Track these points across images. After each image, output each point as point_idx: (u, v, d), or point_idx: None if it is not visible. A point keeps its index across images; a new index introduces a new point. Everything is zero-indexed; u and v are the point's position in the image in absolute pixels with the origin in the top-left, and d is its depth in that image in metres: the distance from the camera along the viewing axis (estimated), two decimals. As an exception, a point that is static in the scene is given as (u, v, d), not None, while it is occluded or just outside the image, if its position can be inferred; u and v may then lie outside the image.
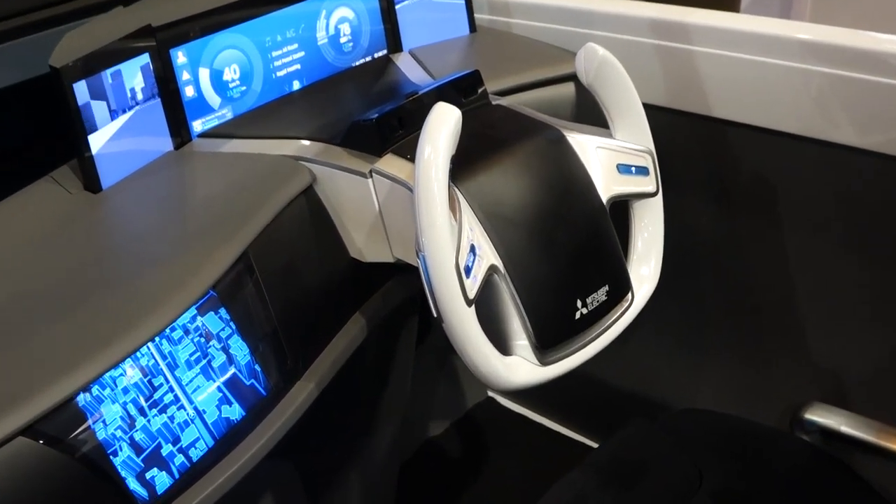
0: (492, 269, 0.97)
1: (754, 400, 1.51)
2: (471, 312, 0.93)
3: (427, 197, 0.90)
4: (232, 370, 0.97)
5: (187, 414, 0.93)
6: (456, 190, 0.98)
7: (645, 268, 1.14)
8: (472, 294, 0.93)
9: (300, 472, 1.53)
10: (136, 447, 0.89)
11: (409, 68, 1.31)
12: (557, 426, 1.85)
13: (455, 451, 1.85)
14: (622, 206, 1.14)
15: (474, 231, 0.97)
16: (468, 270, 0.93)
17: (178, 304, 0.90)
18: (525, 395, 1.89)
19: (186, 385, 0.93)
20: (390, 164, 1.03)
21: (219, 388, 0.96)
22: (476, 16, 1.47)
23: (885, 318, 1.32)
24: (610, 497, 1.17)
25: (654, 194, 1.13)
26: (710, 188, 1.40)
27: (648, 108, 1.34)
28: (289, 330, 1.01)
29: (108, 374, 0.85)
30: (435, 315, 0.93)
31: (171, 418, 0.92)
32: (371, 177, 1.04)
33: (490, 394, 1.93)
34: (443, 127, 0.91)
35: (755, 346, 1.49)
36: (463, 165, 0.99)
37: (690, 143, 1.37)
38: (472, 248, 0.95)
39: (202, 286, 0.92)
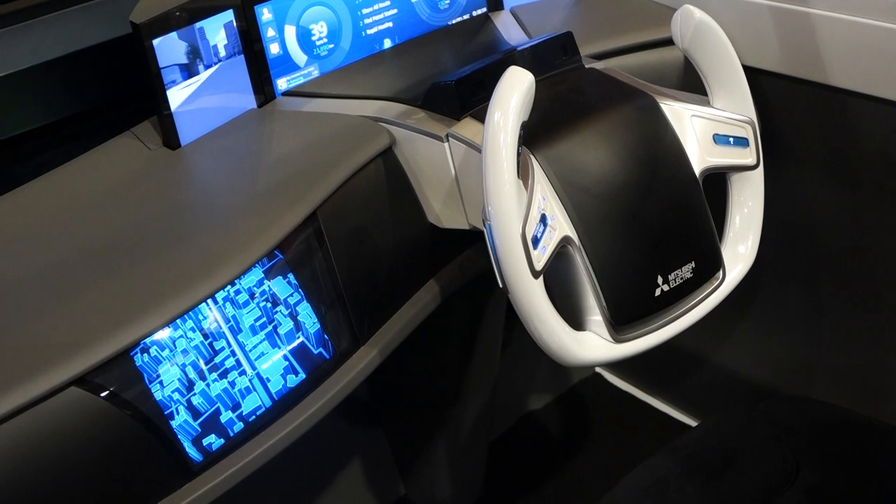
0: (565, 241, 0.97)
1: (868, 392, 1.45)
2: (538, 284, 0.92)
3: (494, 162, 0.90)
4: (300, 339, 0.99)
5: (249, 380, 0.96)
6: (531, 157, 0.98)
7: (742, 246, 1.11)
8: (539, 265, 0.92)
9: (390, 439, 1.56)
10: (194, 411, 0.92)
11: (507, 28, 1.30)
12: (665, 406, 1.83)
13: (553, 427, 1.85)
14: (721, 180, 1.11)
15: (547, 200, 0.96)
16: (536, 241, 0.93)
17: (238, 263, 0.92)
18: (634, 372, 1.87)
19: (250, 351, 0.96)
20: (467, 127, 1.04)
21: (285, 357, 0.98)
22: (587, -30, 1.46)
23: None
24: (693, 485, 1.15)
25: (753, 167, 1.10)
26: (828, 163, 1.35)
27: (760, 73, 1.30)
28: (355, 295, 1.03)
29: (167, 335, 0.88)
30: (501, 286, 0.93)
31: (232, 384, 0.95)
32: (447, 140, 1.04)
33: (598, 369, 1.92)
34: (514, 91, 0.91)
35: (874, 334, 1.43)
36: (542, 131, 0.99)
37: (807, 113, 1.32)
38: (543, 218, 0.94)
39: (265, 247, 0.94)
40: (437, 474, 1.56)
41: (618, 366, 1.87)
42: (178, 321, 0.89)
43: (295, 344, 0.99)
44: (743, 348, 1.61)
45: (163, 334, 0.89)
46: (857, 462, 1.18)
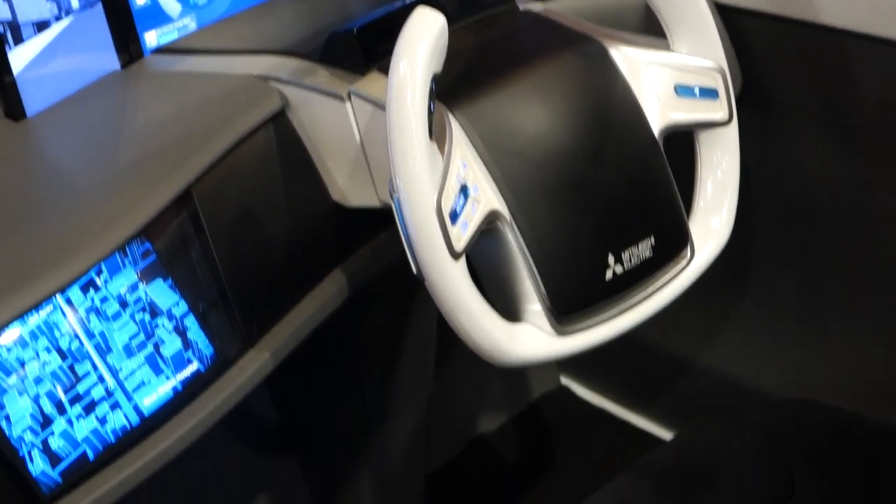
0: (493, 216, 0.99)
1: (882, 393, 1.48)
2: (459, 267, 0.94)
3: (399, 122, 0.92)
4: (195, 364, 1.00)
5: (126, 416, 0.95)
6: (449, 115, 1.00)
7: (714, 218, 1.13)
8: (459, 245, 0.94)
9: (304, 471, 1.57)
10: (53, 457, 0.90)
11: (432, -37, 1.32)
12: (644, 421, 1.85)
13: (509, 453, 1.87)
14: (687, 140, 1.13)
15: (469, 167, 0.98)
16: (455, 216, 0.95)
17: (94, 252, 0.93)
18: (605, 381, 1.89)
19: (126, 379, 0.95)
20: (373, 83, 1.06)
21: (174, 389, 0.99)
22: None
23: None
24: (665, 508, 1.18)
25: (724, 123, 1.12)
26: (823, 115, 1.38)
27: (740, 12, 1.33)
28: (242, 289, 1.05)
29: (11, 356, 0.88)
30: (414, 271, 0.95)
31: (103, 420, 0.94)
32: (350, 100, 1.06)
33: (564, 381, 1.95)
34: (421, 36, 0.92)
35: (886, 324, 1.47)
36: (463, 85, 1.02)
37: (796, 58, 1.36)
38: (464, 189, 0.96)
39: (126, 231, 0.95)
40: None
41: (586, 375, 1.89)
42: (27, 337, 0.89)
43: (189, 371, 1.00)
44: (730, 348, 1.64)
45: (8, 354, 0.88)
46: (862, 474, 1.21)
